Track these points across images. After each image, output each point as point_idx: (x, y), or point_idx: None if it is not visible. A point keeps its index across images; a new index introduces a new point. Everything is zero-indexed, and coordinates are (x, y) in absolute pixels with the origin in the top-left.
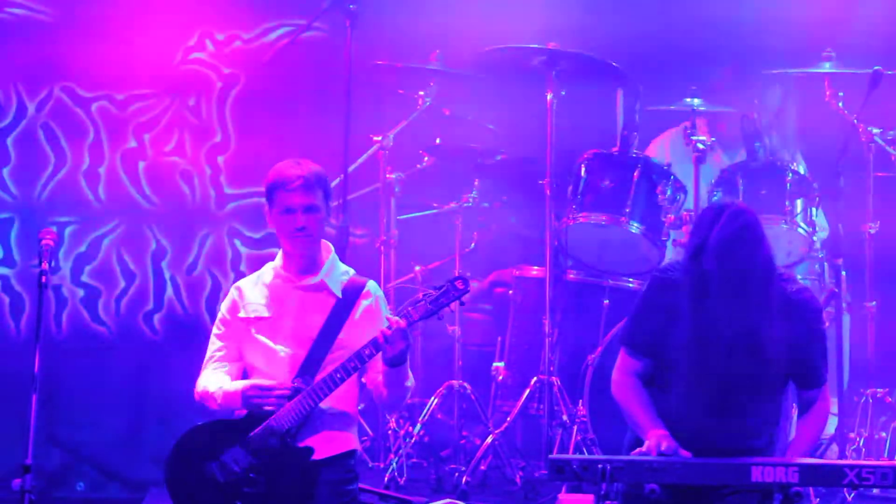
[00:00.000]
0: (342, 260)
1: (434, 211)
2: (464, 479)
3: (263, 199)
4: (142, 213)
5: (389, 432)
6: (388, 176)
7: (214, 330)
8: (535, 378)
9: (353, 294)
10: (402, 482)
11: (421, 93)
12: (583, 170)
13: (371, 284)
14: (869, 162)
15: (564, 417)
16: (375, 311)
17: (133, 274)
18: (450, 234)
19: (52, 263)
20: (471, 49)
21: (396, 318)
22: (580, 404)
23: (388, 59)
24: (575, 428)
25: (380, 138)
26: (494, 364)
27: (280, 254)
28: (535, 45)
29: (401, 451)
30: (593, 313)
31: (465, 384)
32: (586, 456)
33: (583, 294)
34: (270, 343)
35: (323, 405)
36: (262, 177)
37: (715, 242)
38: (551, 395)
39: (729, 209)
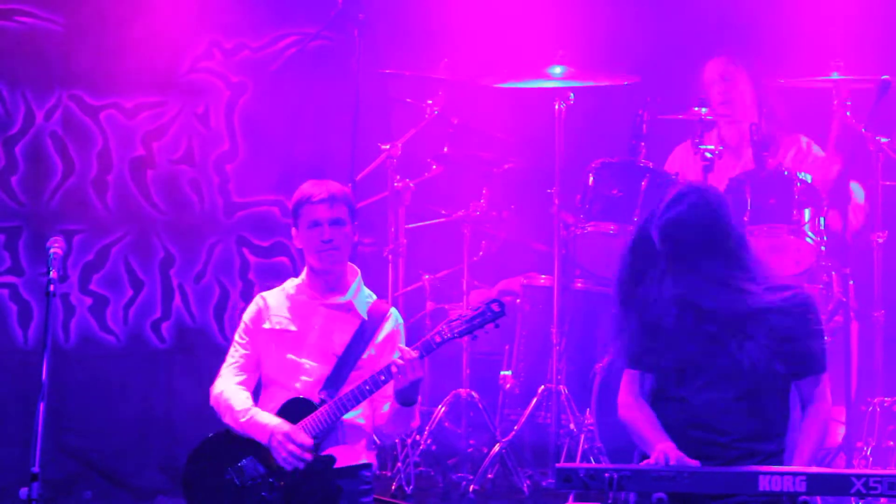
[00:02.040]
0: None
1: (442, 220)
2: (471, 488)
3: (272, 207)
4: (150, 221)
5: (397, 441)
6: (396, 184)
7: (237, 338)
8: (542, 387)
9: (377, 318)
10: (409, 491)
11: (429, 101)
12: (591, 178)
13: (394, 311)
14: (877, 171)
15: (572, 426)
16: (397, 337)
17: (141, 282)
18: (458, 242)
19: (61, 272)
20: (479, 57)
21: (408, 349)
22: (587, 413)
23: (396, 67)
24: (582, 437)
25: (388, 147)
26: (502, 372)
27: (305, 272)
28: (541, 84)
29: (408, 460)
30: (601, 322)
31: (473, 393)
32: (593, 465)
33: (591, 303)
34: (295, 357)
35: (344, 418)
36: (270, 185)
37: (659, 223)
38: (559, 403)
39: (677, 190)
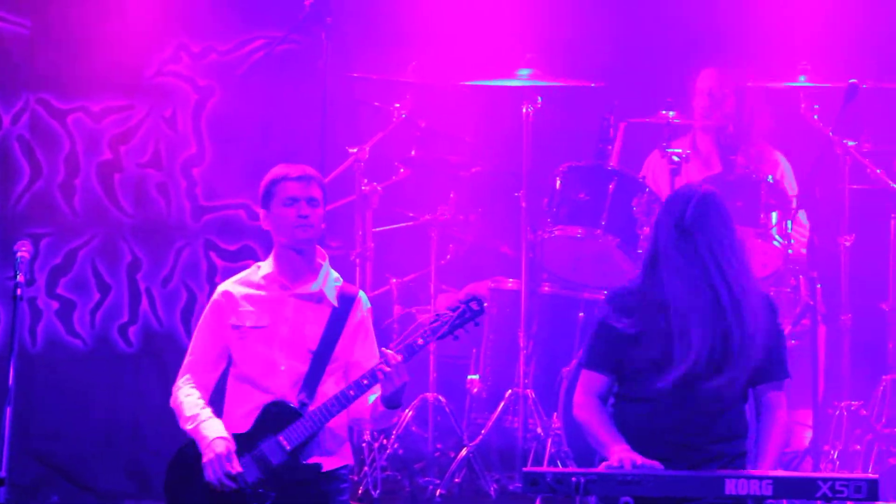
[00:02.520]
0: None
1: (410, 223)
2: (438, 492)
3: (239, 211)
4: (117, 224)
5: (364, 445)
6: (363, 188)
7: (199, 332)
8: (509, 391)
9: (346, 304)
10: (376, 495)
11: (397, 105)
12: (558, 182)
13: (362, 294)
14: (844, 175)
15: (539, 430)
16: (367, 324)
17: (108, 286)
18: (425, 246)
19: (28, 276)
20: (447, 60)
21: (392, 352)
22: (555, 417)
23: (363, 71)
24: (549, 441)
25: (355, 150)
26: (469, 377)
27: (271, 259)
28: (509, 83)
29: (375, 464)
30: (568, 326)
31: (440, 397)
32: (560, 469)
33: (558, 307)
34: (269, 355)
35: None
36: (237, 188)
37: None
38: (526, 407)
39: (694, 199)
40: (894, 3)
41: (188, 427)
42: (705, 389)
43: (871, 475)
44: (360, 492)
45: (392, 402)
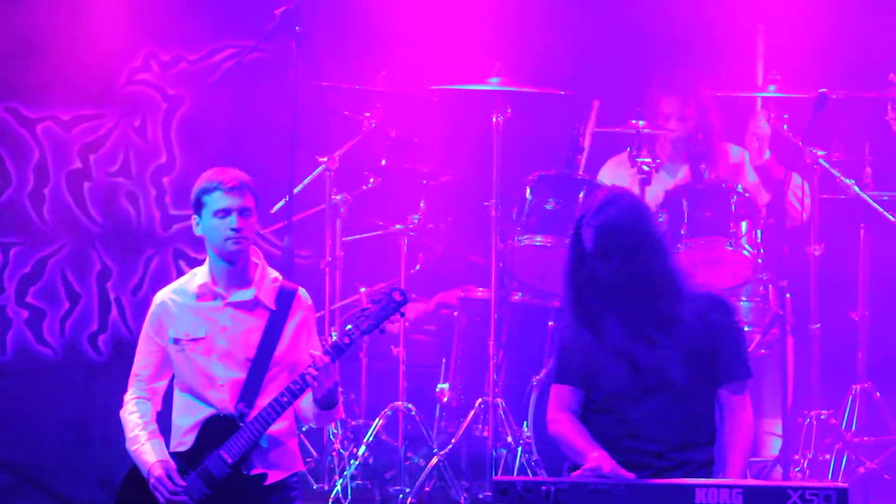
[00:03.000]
0: (288, 280)
1: (379, 232)
2: (408, 501)
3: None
4: (87, 234)
5: (334, 454)
6: (333, 197)
7: (140, 345)
8: (479, 399)
9: (285, 304)
10: None
11: (367, 114)
12: (528, 191)
13: (302, 292)
14: (814, 184)
15: (509, 439)
16: (308, 323)
17: (78, 295)
18: (395, 255)
19: None
20: (417, 70)
21: (321, 354)
22: (525, 426)
23: (333, 80)
24: (519, 449)
25: (325, 159)
26: (439, 385)
27: (206, 267)
28: (479, 87)
29: (345, 473)
30: (538, 335)
31: (410, 405)
32: (530, 477)
33: (528, 316)
34: (207, 366)
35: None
36: None
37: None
38: (496, 416)
39: (606, 193)
40: (863, 12)
41: (130, 448)
42: (653, 399)
43: (840, 484)
44: (329, 500)
45: (325, 403)
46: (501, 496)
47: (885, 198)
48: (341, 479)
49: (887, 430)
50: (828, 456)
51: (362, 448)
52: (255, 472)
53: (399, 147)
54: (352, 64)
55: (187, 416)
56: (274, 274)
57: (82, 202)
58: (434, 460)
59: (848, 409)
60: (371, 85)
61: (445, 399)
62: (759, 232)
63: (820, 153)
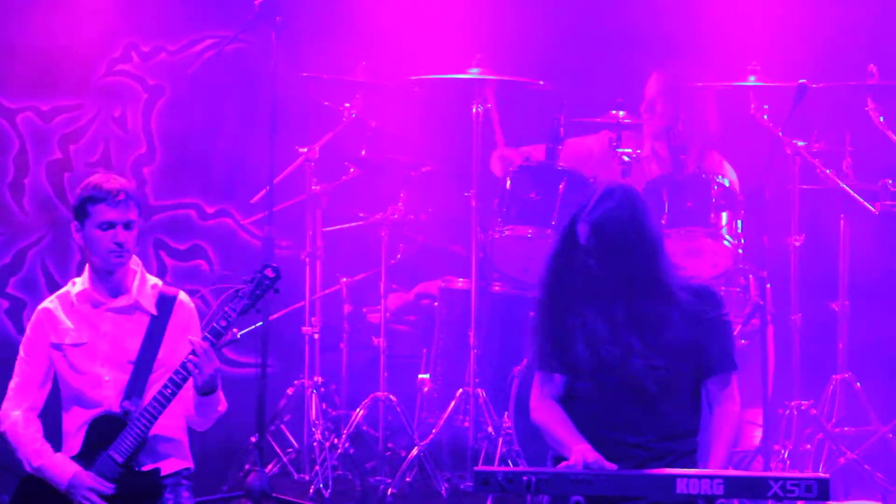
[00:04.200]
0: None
1: (360, 223)
2: (389, 491)
3: (189, 210)
4: (67, 224)
5: (314, 444)
6: (313, 188)
7: (22, 353)
8: (460, 390)
9: (166, 308)
10: (327, 495)
11: (347, 105)
12: (508, 182)
13: (182, 296)
14: (794, 175)
15: (490, 429)
16: (189, 324)
17: (58, 285)
18: (376, 245)
19: None
20: (397, 60)
21: (199, 340)
22: (505, 416)
23: (314, 70)
24: (500, 440)
25: (306, 150)
26: (420, 376)
27: (85, 275)
28: (459, 76)
29: (326, 464)
30: (519, 325)
31: (391, 396)
32: (511, 468)
33: (508, 306)
34: (90, 370)
35: (157, 428)
36: (187, 188)
37: (588, 222)
38: (477, 406)
39: (604, 187)
40: (843, 2)
41: (35, 464)
42: (636, 387)
43: (821, 474)
44: (310, 491)
45: (205, 389)
46: (483, 486)
47: (865, 188)
48: (322, 470)
49: (868, 420)
50: (808, 446)
51: (343, 438)
52: (146, 468)
53: (379, 137)
54: (332, 54)
55: (76, 422)
56: (153, 280)
57: (62, 193)
58: (415, 451)
59: (829, 399)
60: (351, 75)
61: (426, 389)
62: (739, 222)
63: (800, 143)
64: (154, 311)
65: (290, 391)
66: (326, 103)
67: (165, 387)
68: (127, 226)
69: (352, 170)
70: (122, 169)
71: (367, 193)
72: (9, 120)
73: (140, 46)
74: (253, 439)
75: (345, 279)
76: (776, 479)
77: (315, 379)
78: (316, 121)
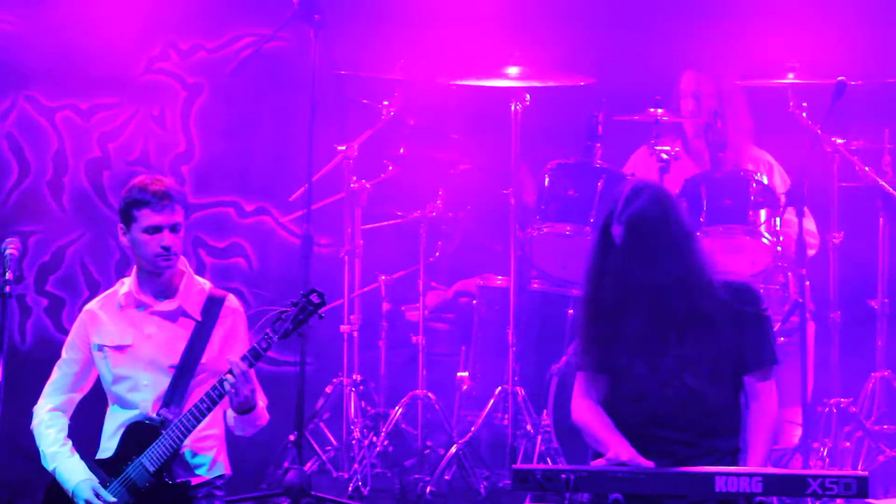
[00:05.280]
0: (307, 269)
1: (398, 220)
2: (428, 489)
3: (228, 208)
4: (106, 222)
5: (353, 442)
6: (352, 185)
7: (63, 354)
8: (499, 388)
9: (212, 313)
10: (365, 492)
11: (385, 102)
12: (547, 180)
13: (231, 300)
14: (833, 172)
15: (528, 427)
16: (236, 329)
17: (97, 283)
18: (414, 243)
19: (17, 273)
20: (435, 58)
21: (238, 360)
22: (544, 414)
23: (352, 68)
24: (539, 438)
25: (344, 148)
26: (458, 374)
27: (133, 277)
28: (498, 83)
29: (364, 462)
30: (557, 323)
31: (430, 394)
32: (550, 466)
33: (547, 304)
34: (132, 373)
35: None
36: (226, 186)
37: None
38: (515, 404)
39: (633, 185)
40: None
41: (49, 466)
42: (681, 385)
43: (860, 472)
44: (349, 489)
45: (241, 409)
46: (521, 484)
47: None
48: (361, 468)
49: None
50: (848, 444)
51: (382, 436)
52: (177, 480)
53: (417, 135)
54: (370, 52)
55: (112, 422)
56: (201, 282)
57: (101, 191)
58: (453, 449)
59: (868, 397)
60: (389, 73)
61: (465, 387)
62: (777, 220)
63: (839, 141)
64: (199, 317)
65: (328, 389)
66: (365, 101)
67: (202, 401)
68: (173, 228)
69: (390, 167)
70: (161, 167)
71: (406, 191)
72: (48, 118)
73: (179, 44)
74: (292, 437)
75: (383, 277)
76: (815, 477)
77: (354, 377)
78: (354, 118)
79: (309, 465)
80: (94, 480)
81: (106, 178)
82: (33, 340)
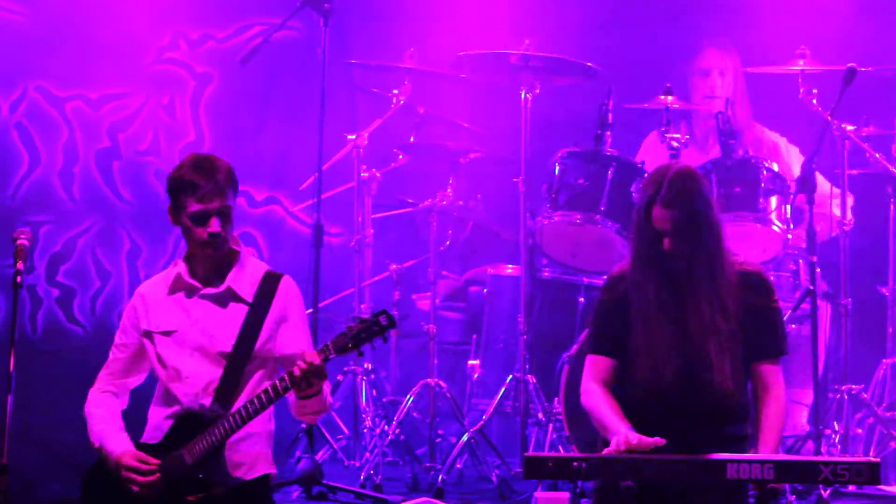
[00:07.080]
0: (317, 258)
1: (409, 209)
2: (440, 478)
3: (238, 198)
4: (116, 212)
5: (365, 431)
6: (362, 174)
7: (116, 339)
8: (510, 376)
9: (266, 296)
10: (377, 481)
11: (395, 91)
12: (557, 168)
13: (286, 281)
14: (843, 159)
15: (540, 415)
16: (292, 312)
17: (108, 273)
18: (425, 232)
19: (27, 263)
20: (445, 47)
21: (314, 352)
22: (555, 402)
23: (362, 57)
24: (550, 426)
25: (354, 137)
26: (470, 362)
27: (184, 259)
28: (509, 51)
29: (376, 450)
30: (568, 311)
31: (441, 382)
32: (562, 453)
33: (558, 292)
34: (178, 360)
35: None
36: (236, 176)
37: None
38: (527, 393)
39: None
40: None
41: (95, 445)
42: (688, 370)
43: (872, 459)
44: (361, 477)
45: (304, 394)
46: (533, 472)
47: None
48: (373, 457)
49: None
50: (859, 431)
51: (393, 425)
52: (215, 478)
53: (427, 124)
54: (380, 41)
55: (160, 410)
56: (257, 264)
57: (112, 180)
58: (465, 437)
59: (879, 383)
60: (399, 62)
61: (476, 376)
62: (788, 207)
63: (849, 128)
64: (251, 299)
65: (340, 378)
66: (375, 90)
67: (259, 397)
68: (221, 214)
69: (400, 156)
70: (171, 156)
71: (416, 180)
72: (58, 108)
73: (188, 34)
74: (303, 426)
75: (394, 266)
76: (827, 464)
77: (365, 366)
78: (364, 107)
79: (321, 454)
80: (139, 452)
81: (116, 168)
82: (44, 330)
